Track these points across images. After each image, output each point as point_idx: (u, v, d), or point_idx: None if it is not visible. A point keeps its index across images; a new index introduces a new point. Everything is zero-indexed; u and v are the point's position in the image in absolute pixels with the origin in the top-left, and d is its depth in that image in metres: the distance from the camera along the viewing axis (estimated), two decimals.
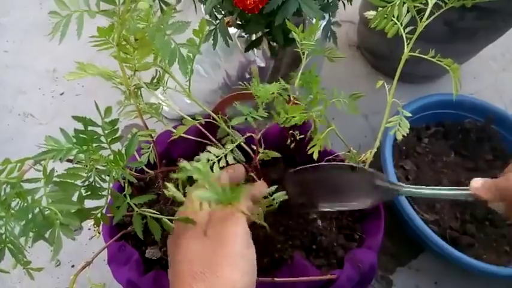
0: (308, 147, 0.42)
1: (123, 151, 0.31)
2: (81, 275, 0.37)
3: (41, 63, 0.89)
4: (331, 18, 0.60)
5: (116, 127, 0.30)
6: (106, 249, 0.43)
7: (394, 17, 0.42)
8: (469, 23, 0.69)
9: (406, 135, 0.61)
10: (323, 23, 0.62)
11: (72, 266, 0.64)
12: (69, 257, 0.65)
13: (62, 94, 0.85)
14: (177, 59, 0.29)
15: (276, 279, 0.39)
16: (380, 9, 0.42)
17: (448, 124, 0.75)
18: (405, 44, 0.41)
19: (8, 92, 0.85)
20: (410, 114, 0.43)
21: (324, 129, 0.42)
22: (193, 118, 0.44)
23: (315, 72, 0.40)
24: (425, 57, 0.41)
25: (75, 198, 0.29)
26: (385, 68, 0.87)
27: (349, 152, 0.46)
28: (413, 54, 0.41)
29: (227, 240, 0.31)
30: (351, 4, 0.59)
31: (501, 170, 0.70)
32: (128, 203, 0.33)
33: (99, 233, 0.42)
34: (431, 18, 0.41)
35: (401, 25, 0.42)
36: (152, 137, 0.42)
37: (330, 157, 0.48)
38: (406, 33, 0.42)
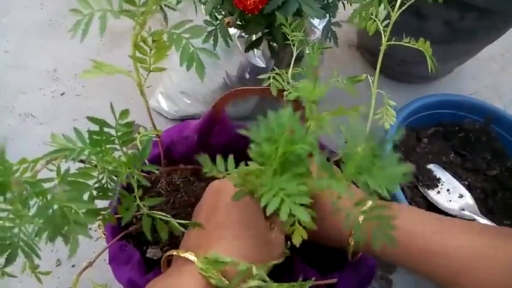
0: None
1: (138, 154, 0.31)
2: (82, 275, 0.37)
3: (42, 64, 0.89)
4: (331, 18, 0.60)
5: (130, 129, 0.31)
6: (107, 249, 0.43)
7: (372, 14, 0.44)
8: (468, 23, 0.69)
9: (406, 135, 0.62)
10: (323, 23, 0.62)
11: (73, 266, 0.64)
12: (70, 257, 0.65)
13: (62, 94, 0.85)
14: (194, 63, 0.29)
15: (275, 284, 0.39)
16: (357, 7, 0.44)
17: (447, 124, 0.75)
18: (383, 36, 0.44)
19: (9, 92, 0.85)
20: (395, 104, 0.44)
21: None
22: (193, 118, 0.44)
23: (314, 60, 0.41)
24: (401, 43, 0.43)
25: (85, 198, 0.29)
26: (382, 68, 0.87)
27: (346, 142, 0.47)
28: (390, 43, 0.44)
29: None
30: (350, 4, 0.60)
31: (500, 170, 0.71)
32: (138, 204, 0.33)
33: (104, 234, 0.42)
34: (402, 9, 0.43)
35: (379, 20, 0.44)
36: (159, 137, 0.43)
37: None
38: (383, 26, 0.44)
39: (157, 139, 0.43)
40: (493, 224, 0.59)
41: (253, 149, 0.25)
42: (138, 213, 0.44)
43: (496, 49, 0.94)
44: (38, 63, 0.89)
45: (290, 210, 0.23)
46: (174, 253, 0.34)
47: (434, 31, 0.72)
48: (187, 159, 0.50)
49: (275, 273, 0.43)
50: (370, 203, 0.35)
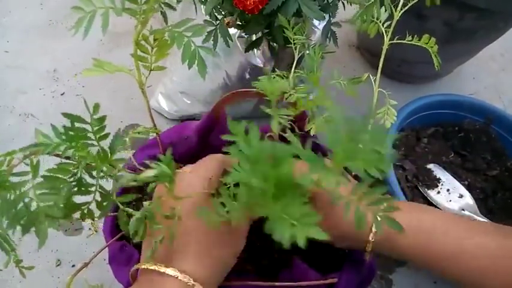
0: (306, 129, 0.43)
1: (108, 148, 0.31)
2: (80, 275, 0.37)
3: (42, 64, 0.89)
4: (331, 18, 0.60)
5: (103, 124, 0.31)
6: (107, 249, 0.43)
7: (373, 17, 0.45)
8: (468, 23, 0.69)
9: (406, 135, 0.62)
10: (323, 23, 0.62)
11: (73, 266, 0.64)
12: (70, 257, 0.65)
13: (62, 94, 0.85)
14: (196, 61, 0.30)
15: (276, 283, 0.39)
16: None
17: (447, 124, 0.76)
18: (385, 36, 0.44)
19: (9, 92, 0.85)
20: (396, 102, 0.44)
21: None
22: (193, 118, 0.44)
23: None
24: (405, 42, 0.44)
25: (64, 192, 0.29)
26: (384, 69, 0.87)
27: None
28: (393, 41, 0.44)
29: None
30: (350, 4, 0.60)
31: (500, 170, 0.71)
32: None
33: (96, 231, 0.42)
34: (404, 10, 0.44)
35: (380, 22, 0.45)
36: (159, 135, 0.43)
37: None
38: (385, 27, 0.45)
39: (157, 137, 0.43)
40: None
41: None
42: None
43: (496, 49, 0.94)
44: (38, 63, 0.89)
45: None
46: (143, 266, 0.34)
47: (435, 31, 0.72)
48: (187, 159, 0.50)
49: (274, 273, 0.43)
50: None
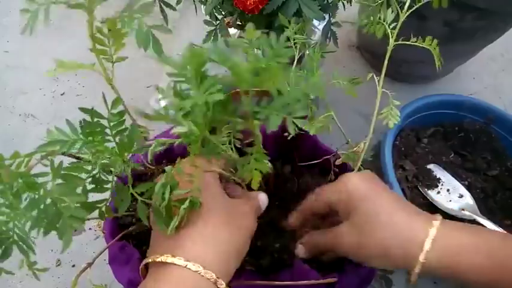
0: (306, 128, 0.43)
1: (126, 139, 0.31)
2: (82, 275, 0.37)
3: (42, 64, 0.89)
4: (331, 18, 0.60)
5: (123, 118, 0.30)
6: (107, 249, 0.43)
7: (380, 19, 0.45)
8: (468, 23, 0.69)
9: (406, 135, 0.62)
10: (323, 23, 0.62)
11: (73, 266, 0.64)
12: (70, 257, 0.65)
13: (62, 94, 0.85)
14: (151, 43, 0.28)
15: (276, 282, 0.39)
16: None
17: (447, 124, 0.75)
18: (390, 37, 0.44)
19: (9, 92, 0.85)
20: (398, 103, 0.44)
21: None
22: None
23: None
24: (409, 43, 0.44)
25: (79, 191, 0.29)
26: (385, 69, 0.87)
27: (347, 143, 0.47)
28: (398, 42, 0.44)
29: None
30: (350, 4, 0.60)
31: (500, 170, 0.71)
32: (132, 194, 0.32)
33: (103, 232, 0.42)
34: (410, 10, 0.44)
35: (387, 23, 0.45)
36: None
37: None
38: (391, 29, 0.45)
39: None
40: (493, 224, 0.59)
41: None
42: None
43: (496, 49, 0.94)
44: (38, 63, 0.89)
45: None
46: (150, 260, 0.32)
47: (435, 31, 0.72)
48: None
49: (275, 274, 0.43)
50: (437, 222, 0.33)
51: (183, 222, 0.32)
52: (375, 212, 0.34)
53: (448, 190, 0.67)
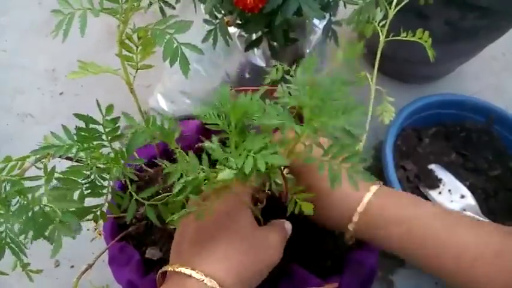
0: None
1: (124, 149, 0.31)
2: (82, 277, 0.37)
3: (40, 63, 0.89)
4: (331, 17, 0.60)
5: (117, 125, 0.31)
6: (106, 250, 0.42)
7: (368, 17, 0.45)
8: (470, 22, 0.69)
9: (407, 135, 0.62)
10: (324, 22, 0.62)
11: (72, 267, 0.64)
12: (69, 258, 0.64)
13: (61, 94, 0.84)
14: (178, 59, 0.29)
15: None
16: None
17: (449, 124, 0.75)
18: (380, 35, 0.45)
19: (7, 91, 0.84)
20: (392, 99, 0.44)
21: None
22: (193, 118, 0.44)
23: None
24: (399, 38, 0.44)
25: (76, 196, 0.29)
26: (386, 69, 0.87)
27: None
28: (388, 39, 0.44)
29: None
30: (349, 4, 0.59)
31: (502, 170, 0.70)
32: (136, 199, 0.33)
33: (100, 234, 0.42)
34: (398, 7, 0.44)
35: (376, 22, 0.45)
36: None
37: None
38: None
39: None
40: None
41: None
42: (137, 212, 0.44)
43: (497, 49, 0.94)
44: (36, 63, 0.89)
45: (267, 163, 0.23)
46: (169, 268, 0.32)
47: (436, 31, 0.71)
48: None
49: (274, 280, 0.43)
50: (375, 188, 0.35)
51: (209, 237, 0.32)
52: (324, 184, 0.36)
53: (449, 190, 0.66)
